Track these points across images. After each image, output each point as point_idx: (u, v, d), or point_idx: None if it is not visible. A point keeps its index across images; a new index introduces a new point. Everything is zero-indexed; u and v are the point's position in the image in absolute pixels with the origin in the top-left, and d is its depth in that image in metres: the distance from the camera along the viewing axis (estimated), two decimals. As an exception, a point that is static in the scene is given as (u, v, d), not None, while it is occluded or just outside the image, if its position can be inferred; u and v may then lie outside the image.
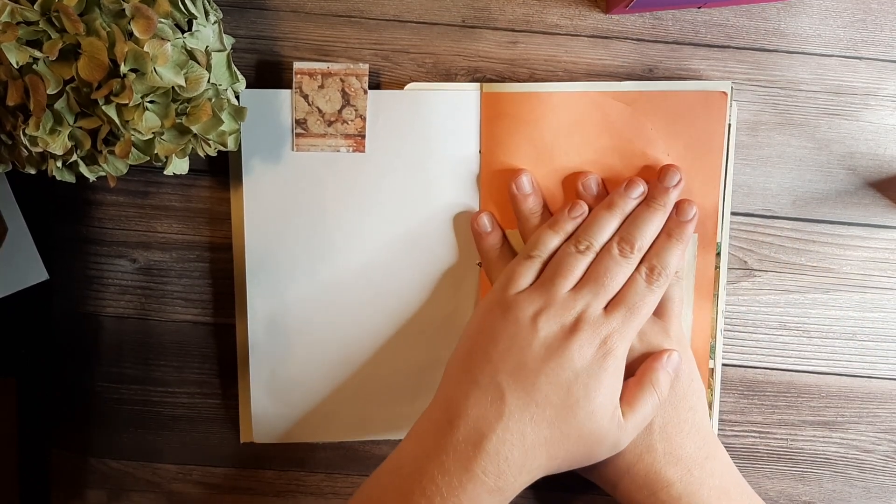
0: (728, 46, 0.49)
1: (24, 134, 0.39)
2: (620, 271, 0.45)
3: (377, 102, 0.48)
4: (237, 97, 0.45)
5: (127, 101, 0.38)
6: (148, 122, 0.40)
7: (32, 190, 0.49)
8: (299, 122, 0.48)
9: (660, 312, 0.47)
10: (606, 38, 0.49)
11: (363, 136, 0.48)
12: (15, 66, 0.38)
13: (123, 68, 0.38)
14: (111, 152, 0.41)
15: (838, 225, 0.51)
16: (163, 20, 0.39)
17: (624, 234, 0.46)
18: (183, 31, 0.41)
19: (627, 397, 0.44)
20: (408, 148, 0.49)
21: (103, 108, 0.38)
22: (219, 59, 0.42)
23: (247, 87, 0.46)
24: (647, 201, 0.47)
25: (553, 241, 0.47)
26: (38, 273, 0.49)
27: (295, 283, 0.50)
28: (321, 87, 0.48)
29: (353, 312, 0.50)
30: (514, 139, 0.48)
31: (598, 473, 0.46)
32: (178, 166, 0.43)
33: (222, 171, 0.50)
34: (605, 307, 0.44)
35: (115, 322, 0.51)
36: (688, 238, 0.47)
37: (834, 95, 0.50)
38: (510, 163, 0.49)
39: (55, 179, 0.42)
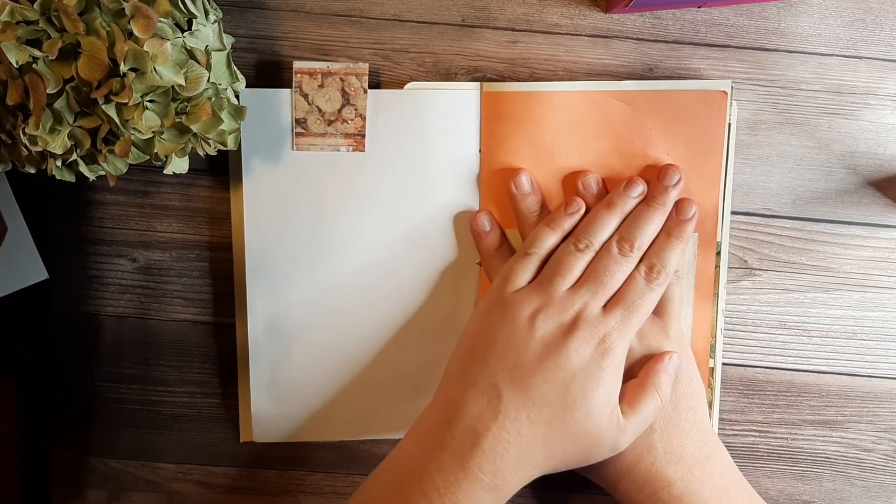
0: (728, 46, 0.49)
1: (24, 133, 0.39)
2: (620, 270, 0.45)
3: (377, 102, 0.48)
4: (237, 96, 0.45)
5: (127, 101, 0.38)
6: (148, 121, 0.40)
7: (32, 189, 0.49)
8: (299, 122, 0.48)
9: (659, 312, 0.47)
10: (606, 37, 0.49)
11: (363, 136, 0.48)
12: (15, 65, 0.38)
13: (123, 67, 0.38)
14: (111, 151, 0.40)
15: (838, 224, 0.51)
16: (162, 19, 0.39)
17: (624, 232, 0.46)
18: (183, 31, 0.41)
19: (629, 398, 0.44)
20: (408, 147, 0.49)
21: (103, 107, 0.38)
22: (219, 59, 0.42)
23: (247, 86, 0.46)
24: (647, 200, 0.47)
25: (550, 238, 0.47)
26: (37, 273, 0.49)
27: (295, 282, 0.50)
28: (321, 86, 0.48)
29: (353, 312, 0.50)
30: (514, 139, 0.48)
31: (599, 473, 0.46)
32: (178, 166, 0.43)
33: (222, 170, 0.50)
34: (604, 306, 0.44)
35: (115, 322, 0.51)
36: (687, 237, 0.47)
37: (834, 95, 0.50)
38: (510, 162, 0.49)
39: (55, 179, 0.42)
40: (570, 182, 0.49)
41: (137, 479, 0.52)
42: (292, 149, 0.49)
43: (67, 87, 0.39)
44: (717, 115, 0.48)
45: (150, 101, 0.40)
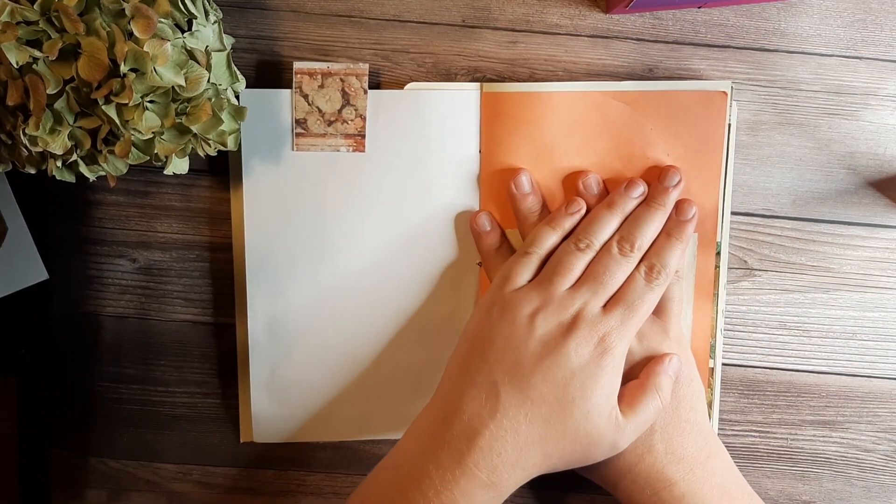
0: (728, 46, 0.49)
1: (24, 134, 0.39)
2: (620, 270, 0.45)
3: (377, 102, 0.48)
4: (237, 97, 0.45)
5: (127, 101, 0.38)
6: (148, 121, 0.40)
7: (32, 190, 0.49)
8: (299, 122, 0.48)
9: (659, 312, 0.47)
10: (606, 37, 0.49)
11: (363, 136, 0.48)
12: (15, 65, 0.38)
13: (123, 68, 0.38)
14: (111, 152, 0.41)
15: (838, 224, 0.51)
16: (163, 20, 0.39)
17: (624, 233, 0.46)
18: (183, 31, 0.41)
19: (629, 399, 0.44)
20: (408, 148, 0.49)
21: (103, 107, 0.38)
22: (219, 59, 0.42)
23: (247, 86, 0.46)
24: (648, 201, 0.47)
25: (550, 237, 0.47)
26: (38, 273, 0.49)
27: (295, 282, 0.50)
28: (321, 86, 0.48)
29: (353, 312, 0.50)
30: (514, 139, 0.48)
31: (599, 473, 0.46)
32: (178, 166, 0.43)
33: (222, 170, 0.50)
34: (604, 306, 0.44)
35: (115, 322, 0.51)
36: (687, 237, 0.47)
37: (834, 95, 0.50)
38: (510, 163, 0.49)
39: (55, 179, 0.42)
40: (570, 182, 0.49)
41: (137, 479, 0.52)
42: (292, 149, 0.49)
43: (67, 87, 0.39)
44: (716, 116, 0.48)
45: (151, 101, 0.40)
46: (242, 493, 0.53)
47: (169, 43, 0.39)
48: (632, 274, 0.45)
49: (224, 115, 0.43)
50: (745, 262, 0.51)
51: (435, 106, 0.48)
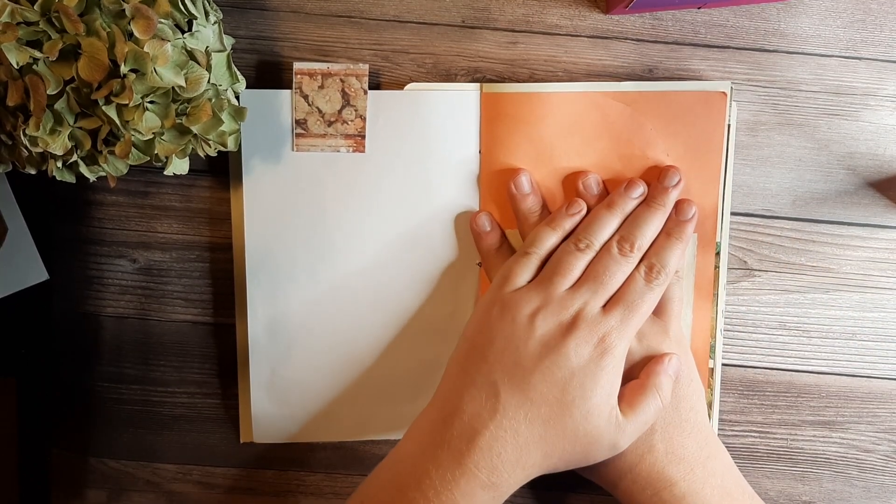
0: (728, 46, 0.49)
1: (25, 134, 0.39)
2: (620, 270, 0.45)
3: (377, 102, 0.48)
4: (237, 97, 0.45)
5: (127, 102, 0.38)
6: (148, 122, 0.40)
7: (32, 190, 0.49)
8: (299, 123, 0.48)
9: (659, 312, 0.47)
10: (606, 38, 0.49)
11: (363, 137, 0.48)
12: (15, 66, 0.38)
13: (123, 68, 0.38)
14: (111, 152, 0.41)
15: (838, 225, 0.51)
16: (163, 20, 0.39)
17: (624, 233, 0.46)
18: (183, 32, 0.41)
19: (629, 399, 0.44)
20: (408, 148, 0.49)
21: (103, 108, 0.39)
22: (219, 60, 0.42)
23: (247, 87, 0.46)
24: (648, 201, 0.47)
25: (551, 238, 0.47)
26: (38, 273, 0.49)
27: (295, 283, 0.50)
28: (321, 87, 0.48)
29: (353, 312, 0.50)
30: (514, 139, 0.48)
31: (599, 473, 0.46)
32: (178, 166, 0.43)
33: (222, 171, 0.50)
34: (604, 306, 0.44)
35: (115, 322, 0.51)
36: (687, 237, 0.47)
37: (834, 95, 0.50)
38: (510, 163, 0.49)
39: (55, 179, 0.42)
40: (570, 182, 0.49)
41: (137, 480, 0.52)
42: (292, 149, 0.49)
43: (68, 88, 0.39)
44: (716, 116, 0.48)
45: (151, 102, 0.40)
46: (242, 494, 0.53)
47: (169, 43, 0.39)
48: (631, 274, 0.45)
49: (224, 116, 0.43)
50: (745, 262, 0.51)
51: (435, 106, 0.48)
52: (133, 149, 0.40)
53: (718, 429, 0.52)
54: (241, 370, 0.51)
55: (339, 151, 0.49)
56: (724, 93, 0.48)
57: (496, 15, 0.49)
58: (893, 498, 0.52)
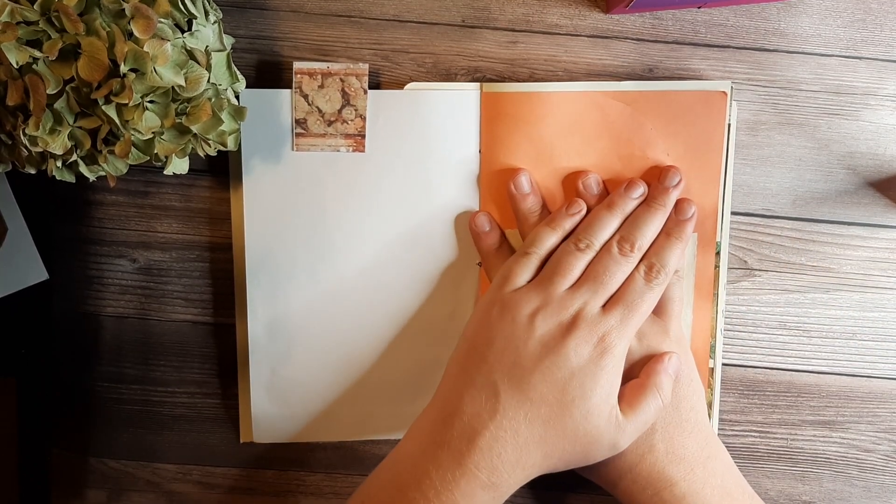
0: (728, 46, 0.49)
1: (24, 134, 0.39)
2: (620, 270, 0.45)
3: (377, 102, 0.48)
4: (237, 97, 0.45)
5: (127, 101, 0.38)
6: (148, 121, 0.40)
7: (32, 190, 0.49)
8: (299, 122, 0.48)
9: (659, 312, 0.47)
10: (606, 38, 0.49)
11: (363, 136, 0.48)
12: (15, 65, 0.38)
13: (123, 68, 0.38)
14: (111, 152, 0.41)
15: (838, 225, 0.51)
16: (163, 20, 0.39)
17: (624, 233, 0.46)
18: (183, 31, 0.41)
19: (629, 398, 0.44)
20: (408, 148, 0.49)
21: (103, 107, 0.38)
22: (219, 59, 0.42)
23: (247, 86, 0.46)
24: (648, 201, 0.47)
25: (551, 238, 0.47)
26: (38, 273, 0.49)
27: (295, 282, 0.50)
28: (321, 86, 0.48)
29: (353, 312, 0.50)
30: (514, 139, 0.48)
31: (599, 473, 0.46)
32: (178, 166, 0.43)
33: (222, 171, 0.50)
34: (604, 306, 0.44)
35: (115, 322, 0.51)
36: (687, 237, 0.47)
37: (834, 95, 0.50)
38: (510, 163, 0.49)
39: (55, 179, 0.42)
40: (570, 182, 0.49)
41: (137, 480, 0.52)
42: (292, 149, 0.49)
43: (67, 87, 0.39)
44: (716, 116, 0.48)
45: (151, 101, 0.40)
46: (242, 494, 0.53)
47: (169, 43, 0.39)
48: (631, 274, 0.45)
49: (224, 115, 0.43)
50: (745, 262, 0.51)
51: (435, 106, 0.48)
52: (133, 148, 0.40)
53: (718, 429, 0.52)
54: (241, 370, 0.51)
55: (339, 151, 0.49)
56: (724, 92, 0.48)
57: (496, 14, 0.49)
58: (893, 498, 0.52)
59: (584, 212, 0.47)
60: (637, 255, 0.46)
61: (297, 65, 0.47)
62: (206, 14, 0.42)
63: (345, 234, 0.49)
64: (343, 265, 0.50)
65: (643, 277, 0.45)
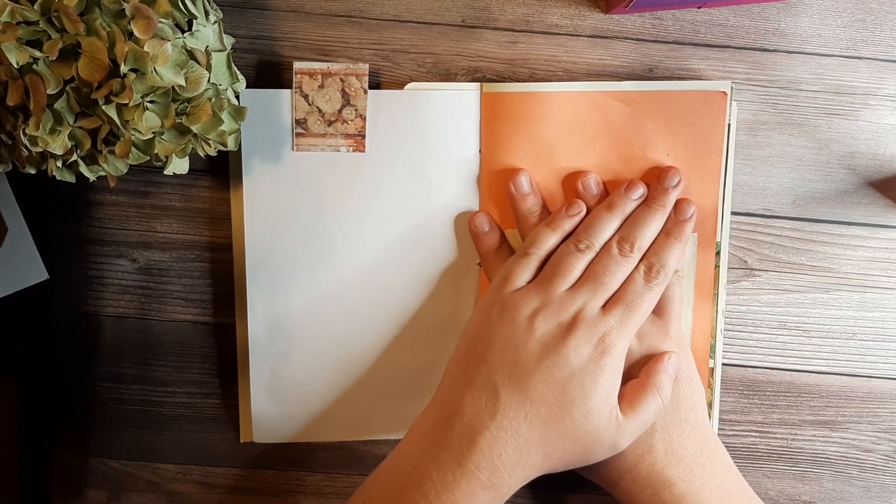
0: (728, 46, 0.49)
1: (24, 134, 0.39)
2: (620, 270, 0.45)
3: (377, 102, 0.48)
4: (237, 97, 0.45)
5: (127, 101, 0.38)
6: (148, 121, 0.40)
7: (32, 190, 0.49)
8: (299, 122, 0.48)
9: (660, 312, 0.47)
10: (606, 38, 0.49)
11: (363, 136, 0.48)
12: (15, 66, 0.38)
13: (123, 68, 0.38)
14: (111, 152, 0.41)
15: (838, 225, 0.51)
16: (163, 20, 0.39)
17: (624, 233, 0.46)
18: (183, 31, 0.41)
19: (629, 398, 0.44)
20: (408, 148, 0.49)
21: (103, 107, 0.39)
22: (219, 59, 0.42)
23: (247, 86, 0.46)
24: (647, 202, 0.47)
25: (550, 239, 0.47)
26: (38, 273, 0.49)
27: (295, 282, 0.50)
28: (321, 86, 0.48)
29: (353, 312, 0.50)
30: (514, 139, 0.48)
31: (599, 472, 0.46)
32: (178, 166, 0.43)
33: (222, 171, 0.50)
34: (604, 306, 0.44)
35: (115, 322, 0.51)
36: (686, 237, 0.47)
37: (834, 95, 0.50)
38: (510, 163, 0.49)
39: (55, 179, 0.42)
40: (570, 183, 0.49)
41: (137, 479, 0.52)
42: (292, 149, 0.49)
43: (68, 87, 0.39)
44: (716, 116, 0.48)
45: (151, 101, 0.40)
46: (242, 494, 0.53)
47: (169, 43, 0.39)
48: (631, 274, 0.45)
49: (224, 115, 0.43)
50: (745, 262, 0.51)
51: (435, 106, 0.48)
52: (133, 148, 0.40)
53: (718, 429, 0.52)
54: (241, 370, 0.51)
55: (339, 151, 0.49)
56: (724, 92, 0.48)
57: (496, 14, 0.49)
58: (893, 498, 0.52)
59: (583, 213, 0.47)
60: (637, 256, 0.46)
61: (297, 65, 0.47)
62: (207, 14, 0.42)
63: (345, 234, 0.49)
64: (343, 265, 0.50)
65: (643, 278, 0.45)
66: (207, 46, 0.42)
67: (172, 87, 0.39)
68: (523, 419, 0.42)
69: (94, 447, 0.52)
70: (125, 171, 0.42)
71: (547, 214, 0.48)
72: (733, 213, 0.50)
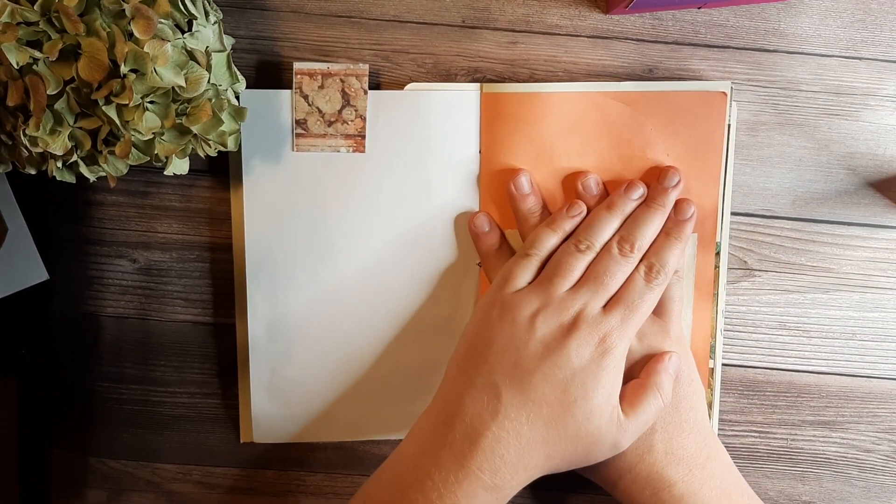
0: (728, 46, 0.49)
1: (25, 134, 0.39)
2: (620, 270, 0.45)
3: (377, 102, 0.48)
4: (237, 97, 0.45)
5: (127, 102, 0.38)
6: (148, 122, 0.40)
7: (32, 190, 0.49)
8: (299, 123, 0.48)
9: (660, 312, 0.47)
10: (606, 38, 0.49)
11: (363, 137, 0.48)
12: (15, 66, 0.38)
13: (123, 69, 0.38)
14: (111, 152, 0.41)
15: (838, 225, 0.51)
16: (163, 20, 0.39)
17: (624, 233, 0.46)
18: (183, 32, 0.41)
19: (630, 398, 0.44)
20: (408, 148, 0.49)
21: (103, 108, 0.38)
22: (219, 60, 0.42)
23: (247, 87, 0.46)
24: (647, 202, 0.47)
25: (551, 239, 0.47)
26: (38, 273, 0.49)
27: (295, 282, 0.50)
28: (321, 87, 0.48)
29: (353, 312, 0.50)
30: (514, 139, 0.48)
31: (599, 472, 0.46)
32: (178, 166, 0.43)
33: (222, 171, 0.50)
34: (604, 306, 0.44)
35: (115, 322, 0.51)
36: (686, 237, 0.47)
37: (834, 95, 0.50)
38: (510, 163, 0.49)
39: (55, 179, 0.42)
40: (570, 183, 0.49)
41: (137, 480, 0.52)
42: (292, 150, 0.49)
43: (68, 88, 0.39)
44: (716, 116, 0.48)
45: (151, 102, 0.40)
46: (242, 494, 0.53)
47: (169, 43, 0.39)
48: (631, 274, 0.45)
49: (224, 116, 0.43)
50: (745, 262, 0.51)
51: (435, 106, 0.48)
52: (133, 149, 0.40)
53: (718, 429, 0.52)
54: (241, 370, 0.51)
55: (339, 151, 0.49)
56: (724, 93, 0.48)
57: (496, 15, 0.49)
58: (893, 498, 0.52)
59: (583, 213, 0.47)
60: (637, 256, 0.46)
61: (297, 65, 0.47)
62: (207, 14, 0.42)
63: (345, 234, 0.49)
64: (343, 265, 0.50)
65: (643, 278, 0.45)
66: (207, 47, 0.42)
67: (172, 87, 0.39)
68: (525, 419, 0.42)
69: (94, 447, 0.52)
70: (125, 171, 0.42)
71: (547, 215, 0.48)
72: (733, 214, 0.50)
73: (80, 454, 0.52)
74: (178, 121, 0.41)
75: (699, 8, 0.49)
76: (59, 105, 0.39)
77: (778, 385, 0.51)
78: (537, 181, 0.49)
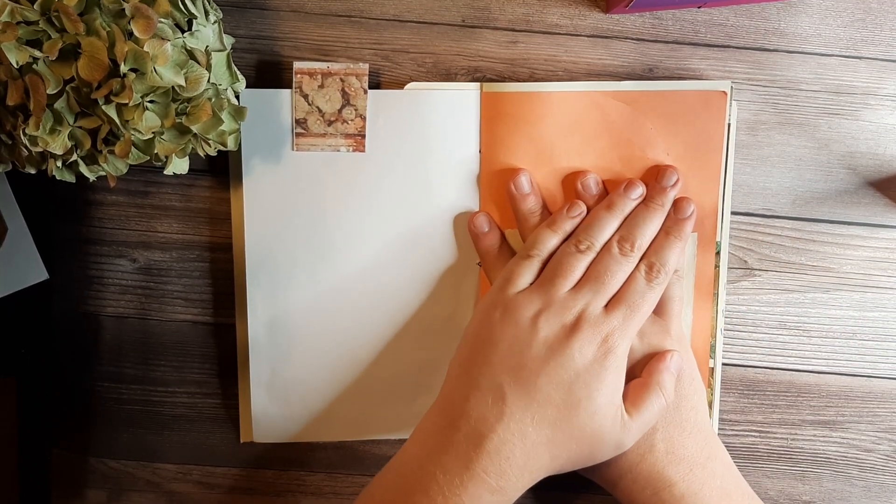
0: (728, 46, 0.49)
1: (24, 134, 0.39)
2: (620, 270, 0.45)
3: (377, 102, 0.48)
4: (237, 97, 0.45)
5: (127, 101, 0.38)
6: (148, 121, 0.40)
7: (32, 190, 0.49)
8: (299, 122, 0.48)
9: (660, 311, 0.47)
10: (606, 37, 0.49)
11: (363, 136, 0.48)
12: (15, 65, 0.38)
13: (123, 68, 0.38)
14: (111, 152, 0.41)
15: (838, 224, 0.51)
16: (163, 20, 0.39)
17: (624, 233, 0.46)
18: (183, 31, 0.41)
19: (632, 398, 0.44)
20: (408, 148, 0.49)
21: (103, 107, 0.38)
22: (219, 59, 0.42)
23: (247, 86, 0.46)
24: (646, 201, 0.47)
25: (552, 240, 0.47)
26: (38, 273, 0.49)
27: (295, 282, 0.50)
28: (321, 86, 0.48)
29: (353, 312, 0.50)
30: (514, 139, 0.48)
31: (599, 472, 0.46)
32: (178, 166, 0.43)
33: (222, 170, 0.50)
34: (606, 306, 0.44)
35: (115, 322, 0.51)
36: (686, 235, 0.47)
37: (834, 95, 0.50)
38: (510, 163, 0.49)
39: (55, 179, 0.42)
40: (570, 182, 0.49)
41: (137, 479, 0.52)
42: (292, 149, 0.49)
43: (68, 87, 0.39)
44: (716, 116, 0.48)
45: (151, 101, 0.40)
46: (242, 494, 0.53)
47: (169, 43, 0.39)
48: (632, 274, 0.45)
49: (224, 115, 0.43)
50: (745, 261, 0.51)
51: (435, 106, 0.48)
52: (133, 148, 0.40)
53: (718, 429, 0.52)
54: (241, 370, 0.51)
55: (339, 151, 0.49)
56: (724, 92, 0.48)
57: (496, 14, 0.49)
58: (893, 498, 0.52)
59: (584, 213, 0.47)
60: (637, 255, 0.46)
61: (297, 65, 0.47)
62: (207, 14, 0.42)
63: (345, 234, 0.49)
64: (343, 265, 0.50)
65: (644, 277, 0.45)
66: (207, 46, 0.42)
67: (172, 86, 0.39)
68: (530, 421, 0.42)
69: (94, 447, 0.52)
70: (125, 171, 0.42)
71: (547, 214, 0.48)
72: (733, 213, 0.50)
73: (80, 454, 0.52)
74: (178, 120, 0.41)
75: (699, 7, 0.49)
76: (59, 104, 0.39)
77: (778, 385, 0.51)
78: (537, 181, 0.49)
